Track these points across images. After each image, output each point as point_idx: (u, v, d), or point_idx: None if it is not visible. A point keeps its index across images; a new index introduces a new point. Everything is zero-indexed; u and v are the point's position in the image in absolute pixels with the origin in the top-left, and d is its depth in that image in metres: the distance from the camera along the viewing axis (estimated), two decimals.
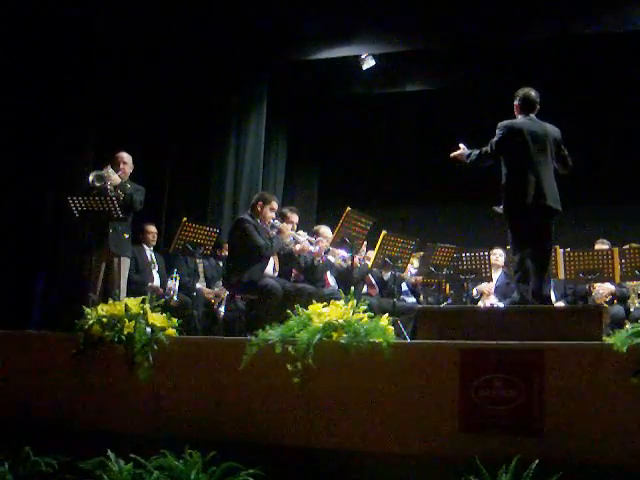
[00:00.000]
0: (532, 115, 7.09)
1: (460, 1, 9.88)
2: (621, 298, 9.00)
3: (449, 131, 11.53)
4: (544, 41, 10.29)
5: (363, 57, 11.24)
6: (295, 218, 8.87)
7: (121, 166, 8.48)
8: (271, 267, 8.42)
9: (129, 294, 7.79)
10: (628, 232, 9.80)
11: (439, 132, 12.02)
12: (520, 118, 7.09)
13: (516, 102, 7.16)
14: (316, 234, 9.11)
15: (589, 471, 4.90)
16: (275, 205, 8.49)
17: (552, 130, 7.06)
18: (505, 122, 7.06)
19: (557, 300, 8.76)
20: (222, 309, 9.21)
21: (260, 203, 8.38)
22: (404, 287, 9.90)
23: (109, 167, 8.32)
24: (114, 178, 8.28)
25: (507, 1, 9.76)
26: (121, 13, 9.85)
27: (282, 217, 8.84)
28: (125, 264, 8.41)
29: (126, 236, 8.39)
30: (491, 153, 7.02)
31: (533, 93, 7.14)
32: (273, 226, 8.32)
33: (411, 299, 9.85)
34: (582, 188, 11.08)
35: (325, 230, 9.06)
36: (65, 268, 9.46)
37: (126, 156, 8.57)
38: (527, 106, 7.11)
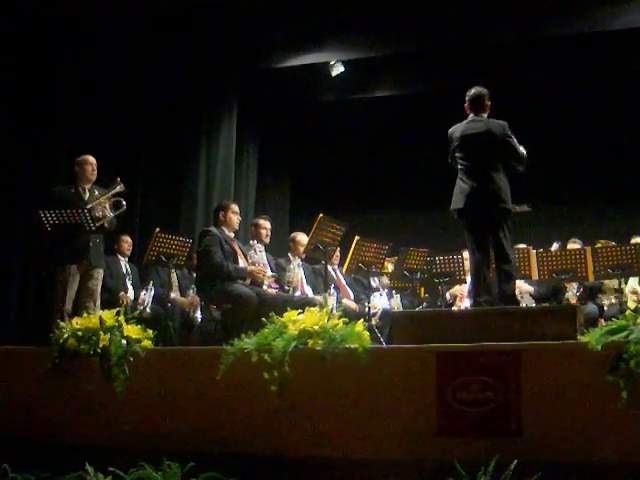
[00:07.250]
0: (482, 115, 7.00)
1: (429, 5, 9.88)
2: (591, 291, 9.02)
3: (420, 136, 11.62)
4: (514, 43, 10.32)
5: (332, 64, 11.25)
6: (268, 225, 8.88)
7: (92, 170, 8.21)
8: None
9: (102, 306, 7.73)
10: (599, 231, 9.84)
11: (410, 137, 12.08)
12: (465, 121, 7.05)
13: (465, 104, 7.10)
14: (293, 242, 9.12)
15: (568, 470, 4.92)
16: (236, 208, 8.52)
17: (495, 126, 6.90)
18: (450, 129, 7.07)
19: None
20: (198, 315, 9.07)
21: (222, 212, 8.38)
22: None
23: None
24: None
25: (476, 5, 9.78)
26: (90, 28, 9.81)
27: (254, 226, 8.86)
28: (101, 276, 8.26)
29: (101, 248, 8.23)
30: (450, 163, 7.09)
31: (482, 92, 7.04)
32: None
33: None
34: (553, 189, 11.20)
35: (302, 238, 9.03)
36: (38, 282, 9.39)
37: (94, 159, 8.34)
38: (475, 106, 7.04)
